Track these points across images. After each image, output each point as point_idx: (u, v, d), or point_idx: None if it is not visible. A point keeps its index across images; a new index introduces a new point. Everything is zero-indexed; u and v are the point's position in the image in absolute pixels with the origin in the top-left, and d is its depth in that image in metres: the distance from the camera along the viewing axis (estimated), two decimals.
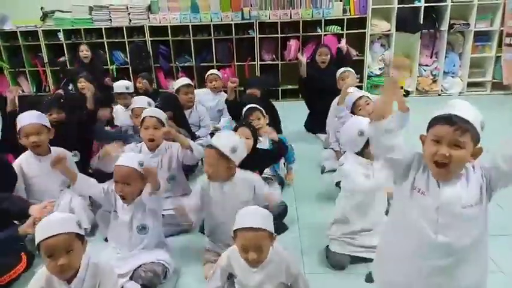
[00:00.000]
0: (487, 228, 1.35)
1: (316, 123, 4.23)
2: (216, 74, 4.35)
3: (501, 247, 2.09)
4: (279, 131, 3.45)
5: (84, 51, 5.08)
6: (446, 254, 1.31)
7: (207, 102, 4.20)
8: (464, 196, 1.29)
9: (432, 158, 1.28)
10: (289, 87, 6.01)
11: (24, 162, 2.51)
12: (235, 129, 2.45)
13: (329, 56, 4.25)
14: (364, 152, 2.07)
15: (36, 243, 1.44)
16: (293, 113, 4.77)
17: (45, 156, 2.50)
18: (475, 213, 1.29)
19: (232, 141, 1.95)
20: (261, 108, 2.88)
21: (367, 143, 2.00)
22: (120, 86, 3.85)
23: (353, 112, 2.98)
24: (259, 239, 1.53)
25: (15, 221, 2.25)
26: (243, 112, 2.92)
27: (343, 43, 4.75)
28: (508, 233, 2.32)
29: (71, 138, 2.82)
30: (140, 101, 3.26)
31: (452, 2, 5.47)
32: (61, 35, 5.82)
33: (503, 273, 2.00)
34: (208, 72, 4.40)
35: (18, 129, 2.44)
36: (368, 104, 2.90)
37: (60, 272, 1.44)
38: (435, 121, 1.31)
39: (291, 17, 5.62)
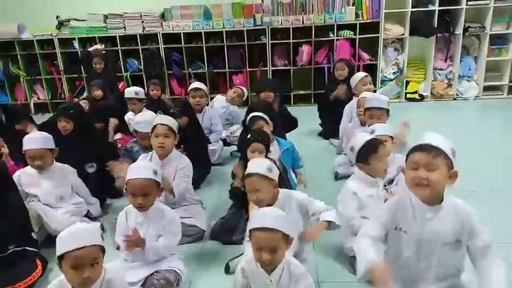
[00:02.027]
0: None
1: (329, 129, 4.22)
2: (242, 90, 4.41)
3: None
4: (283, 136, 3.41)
5: (98, 65, 5.13)
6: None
7: (218, 108, 4.24)
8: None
9: (413, 183, 1.46)
10: (301, 92, 5.99)
11: (23, 173, 2.58)
12: (248, 144, 2.41)
13: (346, 70, 4.22)
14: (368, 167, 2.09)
15: (60, 253, 1.41)
16: (305, 118, 4.74)
17: (46, 170, 2.55)
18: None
19: (264, 162, 1.97)
20: (264, 117, 2.78)
21: (367, 157, 2.08)
22: (130, 91, 3.88)
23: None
24: (273, 240, 1.51)
25: None
26: (247, 121, 2.87)
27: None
28: None
29: (83, 149, 2.83)
30: (144, 125, 2.96)
31: (467, 5, 5.40)
32: (76, 43, 5.92)
33: None
34: (237, 86, 4.55)
35: (23, 150, 2.49)
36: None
37: (83, 284, 1.43)
38: (411, 152, 1.49)
39: (303, 23, 5.61)
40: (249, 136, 2.44)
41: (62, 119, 2.92)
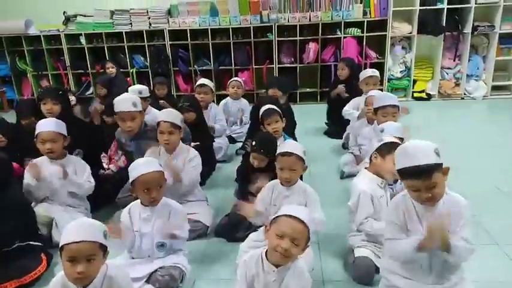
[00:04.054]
0: None
1: (333, 128, 4.22)
2: (239, 81, 4.40)
3: None
4: (292, 134, 3.41)
5: (110, 68, 5.12)
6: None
7: (230, 110, 4.30)
8: None
9: (419, 200, 1.52)
10: (308, 90, 5.97)
11: (37, 162, 2.54)
12: (249, 153, 2.48)
13: (346, 70, 4.18)
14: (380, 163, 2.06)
15: (60, 244, 1.43)
16: (311, 116, 4.73)
17: (59, 161, 2.52)
18: None
19: (300, 146, 2.09)
20: (279, 111, 2.85)
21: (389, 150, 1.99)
22: (134, 90, 3.85)
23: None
24: (299, 232, 1.50)
25: None
26: (261, 113, 2.89)
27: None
28: None
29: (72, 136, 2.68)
30: (123, 103, 2.79)
31: (476, 3, 5.34)
32: (83, 39, 5.94)
33: None
34: (231, 79, 4.47)
35: (36, 133, 2.48)
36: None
37: (78, 279, 1.43)
38: (403, 176, 1.52)
39: (310, 20, 5.58)
40: (254, 143, 2.46)
41: (49, 100, 2.87)
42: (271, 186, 2.12)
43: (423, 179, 1.44)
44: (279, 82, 3.91)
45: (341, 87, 4.13)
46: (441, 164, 1.47)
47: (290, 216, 1.51)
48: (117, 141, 3.10)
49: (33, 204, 2.48)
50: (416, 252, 1.53)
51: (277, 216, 1.56)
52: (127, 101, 2.79)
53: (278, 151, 2.07)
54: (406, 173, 1.49)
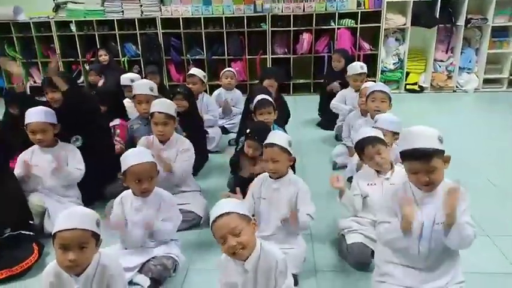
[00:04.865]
0: None
1: (326, 119, 4.21)
2: (232, 72, 4.38)
3: None
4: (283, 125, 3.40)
5: (103, 56, 5.04)
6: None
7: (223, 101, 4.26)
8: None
9: (418, 184, 1.54)
10: (301, 81, 5.95)
11: (29, 152, 2.53)
12: (246, 138, 2.46)
13: (343, 62, 4.16)
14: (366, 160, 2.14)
15: (53, 232, 1.43)
16: (304, 107, 4.73)
17: (50, 149, 2.51)
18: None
19: (285, 135, 2.10)
20: (273, 103, 2.83)
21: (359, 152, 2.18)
22: (125, 78, 3.82)
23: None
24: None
25: None
26: (254, 102, 2.86)
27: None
28: None
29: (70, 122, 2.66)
30: (141, 87, 3.05)
31: None
32: (73, 27, 5.83)
33: None
34: (224, 70, 4.45)
35: (25, 123, 2.45)
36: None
37: (69, 267, 1.43)
38: (404, 157, 1.55)
39: (304, 10, 5.54)
40: (248, 130, 2.44)
41: (48, 89, 2.87)
42: (261, 179, 2.11)
43: (422, 161, 1.47)
44: (276, 73, 3.89)
45: (336, 85, 4.12)
46: (443, 151, 1.49)
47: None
48: (129, 128, 3.12)
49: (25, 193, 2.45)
50: (403, 231, 1.54)
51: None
52: (145, 85, 3.06)
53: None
54: (406, 154, 1.52)
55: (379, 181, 2.10)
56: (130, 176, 1.94)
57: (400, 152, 1.56)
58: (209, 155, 3.56)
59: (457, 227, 1.46)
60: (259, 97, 2.86)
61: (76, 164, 2.55)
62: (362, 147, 2.16)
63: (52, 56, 2.77)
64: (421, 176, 1.50)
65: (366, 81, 3.68)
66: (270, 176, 2.05)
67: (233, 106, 4.30)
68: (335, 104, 3.88)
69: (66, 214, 1.46)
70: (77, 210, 1.51)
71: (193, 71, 3.93)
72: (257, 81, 4.03)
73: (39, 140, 2.45)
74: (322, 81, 4.64)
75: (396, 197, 1.60)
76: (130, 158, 1.95)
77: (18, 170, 2.46)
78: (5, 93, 4.69)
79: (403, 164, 1.58)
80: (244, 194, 2.31)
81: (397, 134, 2.40)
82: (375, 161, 2.11)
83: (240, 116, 3.88)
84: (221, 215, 1.47)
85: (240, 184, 2.43)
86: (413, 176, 1.53)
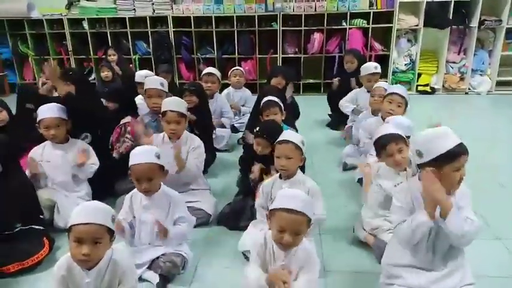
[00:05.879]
0: None
1: (336, 120, 4.19)
2: (240, 70, 4.39)
3: None
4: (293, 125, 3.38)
5: (112, 56, 5.07)
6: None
7: (233, 100, 4.26)
8: None
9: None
10: (311, 81, 5.93)
11: (40, 147, 2.56)
12: (254, 136, 2.43)
13: (356, 63, 4.11)
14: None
15: (68, 225, 1.44)
16: (314, 107, 4.71)
17: (62, 145, 2.53)
18: None
19: (299, 136, 2.08)
20: (280, 104, 2.77)
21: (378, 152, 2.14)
22: (139, 75, 3.84)
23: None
24: (299, 223, 1.50)
25: None
26: (261, 104, 2.83)
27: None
28: None
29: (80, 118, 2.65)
30: (152, 82, 3.15)
31: None
32: (86, 24, 5.88)
33: None
34: (233, 68, 4.45)
35: (38, 120, 2.47)
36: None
37: (82, 261, 1.44)
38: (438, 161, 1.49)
39: (315, 10, 5.52)
40: (257, 128, 2.43)
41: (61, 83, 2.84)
42: (271, 180, 2.10)
43: (462, 158, 1.47)
44: (284, 71, 3.86)
45: (336, 83, 4.14)
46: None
47: (286, 210, 1.49)
48: (141, 121, 3.08)
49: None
50: (420, 225, 1.51)
51: (274, 209, 1.53)
52: (156, 80, 3.16)
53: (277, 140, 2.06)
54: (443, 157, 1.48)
55: (404, 179, 2.05)
56: (132, 174, 1.96)
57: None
58: (219, 153, 3.55)
59: (451, 217, 1.44)
60: (265, 98, 2.83)
61: (91, 161, 2.58)
62: (384, 143, 2.10)
63: (48, 63, 2.78)
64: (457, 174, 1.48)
65: (377, 82, 3.65)
66: (279, 177, 2.05)
67: (242, 105, 4.30)
68: (343, 103, 3.86)
69: (83, 208, 1.47)
70: (94, 204, 1.52)
71: (211, 69, 3.91)
72: (265, 80, 4.02)
73: (53, 135, 2.47)
74: (331, 81, 4.60)
75: (412, 192, 1.58)
76: (133, 156, 1.96)
77: (27, 170, 2.47)
78: (19, 89, 4.75)
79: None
80: (253, 195, 2.33)
81: (408, 137, 2.35)
82: (394, 159, 2.06)
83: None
84: (291, 210, 1.49)
85: (248, 187, 2.44)
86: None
